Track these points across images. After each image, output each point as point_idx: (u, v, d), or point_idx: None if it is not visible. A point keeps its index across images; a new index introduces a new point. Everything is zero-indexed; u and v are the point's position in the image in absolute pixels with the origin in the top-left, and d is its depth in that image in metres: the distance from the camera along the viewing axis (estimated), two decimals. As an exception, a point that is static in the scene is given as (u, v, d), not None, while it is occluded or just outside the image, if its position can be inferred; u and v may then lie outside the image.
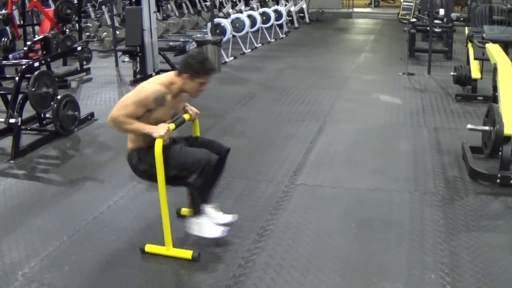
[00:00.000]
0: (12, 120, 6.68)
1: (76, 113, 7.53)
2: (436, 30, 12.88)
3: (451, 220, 4.78)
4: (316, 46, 15.58)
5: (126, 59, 11.92)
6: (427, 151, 6.56)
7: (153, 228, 4.65)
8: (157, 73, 11.40)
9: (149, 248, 4.32)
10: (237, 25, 14.16)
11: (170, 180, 4.22)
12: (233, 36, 13.75)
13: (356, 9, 25.56)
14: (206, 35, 12.70)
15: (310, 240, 4.50)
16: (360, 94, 9.66)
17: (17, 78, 6.92)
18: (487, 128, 5.81)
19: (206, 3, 19.23)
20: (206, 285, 3.91)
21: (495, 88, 6.44)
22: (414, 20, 12.33)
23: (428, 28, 12.04)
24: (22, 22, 13.18)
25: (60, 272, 4.10)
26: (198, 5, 19.38)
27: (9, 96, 6.99)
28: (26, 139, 7.09)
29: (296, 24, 19.95)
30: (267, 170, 5.99)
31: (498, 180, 5.43)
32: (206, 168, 4.15)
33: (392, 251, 4.30)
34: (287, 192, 5.44)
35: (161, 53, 11.70)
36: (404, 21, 12.22)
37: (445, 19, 13.37)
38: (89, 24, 16.49)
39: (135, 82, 10.73)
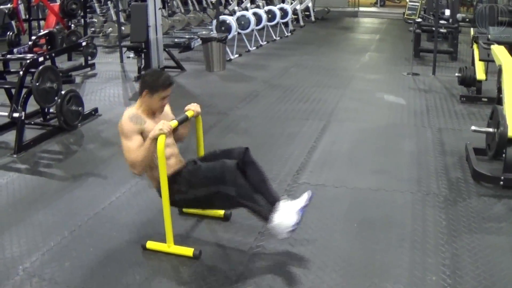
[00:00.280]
0: (15, 114, 6.69)
1: (80, 108, 7.54)
2: (442, 30, 12.85)
3: (454, 222, 4.77)
4: (321, 45, 15.56)
5: (131, 55, 11.91)
6: (430, 152, 6.54)
7: (155, 225, 4.65)
8: (162, 69, 11.41)
9: (150, 245, 4.32)
10: (243, 23, 14.15)
11: (203, 201, 4.27)
12: (238, 33, 13.75)
13: (362, 8, 25.51)
14: (212, 32, 12.70)
15: (311, 239, 4.49)
16: (364, 93, 9.64)
17: (21, 73, 6.93)
18: (491, 130, 5.79)
19: (212, 0, 19.21)
20: (207, 283, 3.91)
21: (499, 89, 6.42)
22: (419, 20, 12.30)
23: (433, 28, 12.01)
24: (27, 16, 13.18)
25: (61, 268, 4.11)
26: (204, 2, 19.36)
27: (13, 91, 6.99)
28: (30, 133, 7.10)
29: (301, 23, 19.91)
30: (270, 169, 5.97)
31: (502, 182, 5.41)
32: (227, 175, 4.07)
33: (393, 252, 4.29)
34: (289, 191, 5.43)
35: (166, 49, 11.70)
36: (409, 21, 12.20)
37: (450, 20, 13.32)
38: (94, 20, 16.49)
39: (140, 78, 10.71)
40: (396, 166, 6.14)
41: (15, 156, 6.49)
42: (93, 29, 15.81)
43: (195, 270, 4.07)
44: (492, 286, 3.83)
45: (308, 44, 15.71)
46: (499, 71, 6.58)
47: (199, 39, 12.42)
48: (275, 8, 16.54)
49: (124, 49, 12.46)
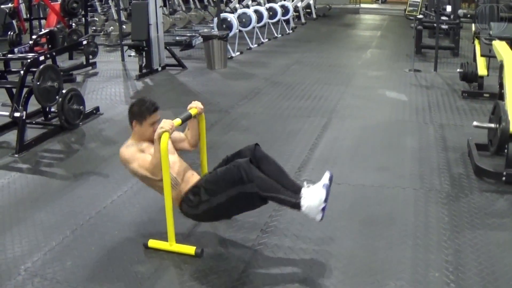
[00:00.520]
0: (17, 114, 6.68)
1: (81, 107, 7.53)
2: (443, 26, 12.81)
3: (456, 218, 4.75)
4: (322, 42, 15.54)
5: (132, 53, 11.92)
6: (432, 148, 6.53)
7: (156, 223, 4.65)
8: (163, 68, 11.41)
9: (152, 243, 4.31)
10: (244, 20, 14.14)
11: (228, 207, 4.22)
12: (240, 31, 13.73)
13: (363, 5, 25.49)
14: (213, 30, 12.68)
15: (313, 236, 4.48)
16: (366, 90, 9.63)
17: (22, 72, 6.92)
18: (493, 125, 5.78)
19: (213, -3, 19.22)
20: (209, 281, 3.90)
21: (501, 85, 6.40)
22: (421, 16, 12.26)
23: (435, 24, 12.00)
24: (28, 15, 13.18)
25: (62, 267, 4.10)
26: (205, 0, 19.35)
27: (14, 90, 6.98)
28: (31, 133, 7.09)
29: (303, 20, 19.91)
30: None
31: (504, 178, 5.39)
32: (243, 173, 4.01)
33: (396, 249, 4.28)
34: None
35: (167, 47, 11.70)
36: (411, 18, 12.17)
37: (452, 16, 13.30)
38: (95, 18, 16.50)
39: (141, 76, 10.74)
40: (398, 162, 6.12)
41: (16, 155, 6.48)
42: (94, 28, 15.82)
43: (197, 268, 4.06)
44: (494, 282, 3.82)
45: (310, 41, 15.70)
46: (501, 67, 6.56)
47: (200, 37, 12.41)
48: (276, 6, 16.51)
49: (125, 48, 12.45)
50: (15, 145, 6.59)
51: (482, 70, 8.79)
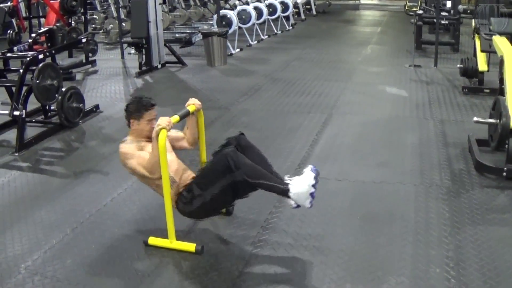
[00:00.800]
0: (16, 113, 6.67)
1: (81, 105, 7.53)
2: (443, 22, 12.80)
3: (457, 214, 4.75)
4: (322, 38, 15.52)
5: (132, 51, 11.92)
6: (433, 144, 6.52)
7: (157, 220, 4.65)
8: (163, 65, 11.40)
9: (153, 240, 4.31)
10: (243, 17, 14.12)
11: (222, 198, 4.24)
12: (239, 28, 13.72)
13: (363, 1, 25.41)
14: (212, 27, 12.67)
15: (314, 233, 4.48)
16: (366, 86, 9.62)
17: (21, 70, 6.91)
18: (493, 121, 5.77)
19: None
20: (209, 278, 3.90)
21: (501, 80, 6.39)
22: (421, 12, 12.25)
23: (435, 20, 11.98)
24: (27, 14, 13.15)
25: (63, 265, 4.10)
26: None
27: (13, 89, 6.97)
28: (31, 131, 7.10)
29: (302, 16, 19.87)
30: (272, 163, 5.87)
31: (504, 174, 5.39)
32: (230, 161, 4.02)
33: (396, 245, 4.28)
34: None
35: (167, 45, 11.68)
36: (411, 13, 12.15)
37: (452, 11, 13.28)
38: (95, 16, 16.47)
39: (141, 74, 10.73)
40: (398, 158, 6.11)
41: (16, 154, 6.48)
42: (93, 25, 15.80)
43: (198, 265, 4.06)
44: (495, 277, 3.81)
45: (310, 37, 15.67)
46: (501, 62, 6.55)
47: (200, 34, 12.39)
48: (276, 2, 16.47)
49: (125, 45, 12.44)
50: (15, 144, 6.59)
51: (482, 65, 8.78)
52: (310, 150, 6.40)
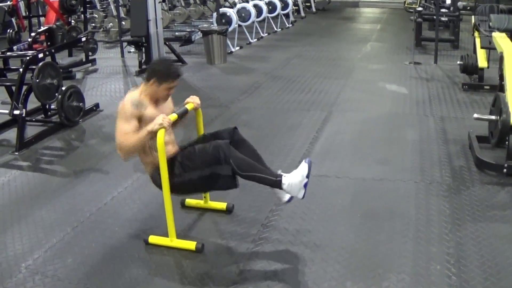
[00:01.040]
0: (16, 112, 6.67)
1: (81, 104, 7.52)
2: (443, 19, 12.79)
3: (457, 210, 4.75)
4: (322, 36, 15.51)
5: (132, 49, 11.90)
6: (433, 141, 6.52)
7: (157, 219, 4.65)
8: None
9: (153, 239, 4.31)
10: (243, 15, 14.11)
11: (198, 184, 4.22)
12: (239, 25, 13.71)
13: (362, -2, 25.43)
14: (212, 25, 12.66)
15: (314, 230, 4.48)
16: (366, 83, 9.61)
17: (21, 70, 6.91)
18: (493, 117, 5.76)
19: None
20: (209, 276, 3.89)
21: (501, 77, 6.38)
22: (420, 9, 12.26)
23: (434, 17, 11.97)
24: (27, 13, 13.14)
25: (63, 264, 4.10)
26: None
27: (13, 88, 6.97)
28: (31, 130, 7.10)
29: (302, 14, 19.87)
30: (272, 160, 5.95)
31: (505, 170, 5.39)
32: (221, 155, 4.03)
33: (397, 242, 4.28)
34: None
35: (167, 43, 11.67)
36: (410, 10, 12.19)
37: (451, 8, 13.28)
38: (94, 15, 16.46)
39: (141, 72, 10.72)
40: (399, 155, 6.11)
41: (16, 153, 6.48)
42: (93, 24, 15.78)
43: (198, 263, 4.06)
44: (497, 274, 3.81)
45: (310, 35, 15.67)
46: (501, 59, 6.54)
47: (199, 32, 12.39)
48: (276, 0, 16.46)
49: (124, 44, 12.44)
50: (15, 143, 6.59)
51: (482, 62, 8.77)
52: (310, 147, 6.40)
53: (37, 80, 6.73)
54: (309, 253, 4.15)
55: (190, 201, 4.89)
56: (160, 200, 4.34)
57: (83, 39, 10.37)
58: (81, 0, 11.68)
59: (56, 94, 7.09)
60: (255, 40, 14.55)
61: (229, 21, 13.21)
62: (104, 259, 4.17)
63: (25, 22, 13.30)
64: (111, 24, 14.98)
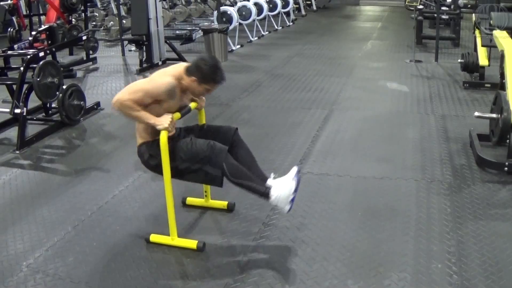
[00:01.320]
0: (17, 110, 6.67)
1: (81, 102, 7.52)
2: (444, 17, 12.79)
3: (458, 209, 4.75)
4: (323, 34, 15.50)
5: (133, 48, 11.89)
6: (434, 139, 6.51)
7: (158, 218, 4.65)
8: (164, 62, 11.39)
9: (154, 238, 4.31)
10: (244, 13, 14.10)
11: (183, 174, 4.21)
12: (240, 24, 13.70)
13: (363, -4, 25.40)
14: (213, 23, 12.65)
15: (316, 229, 4.48)
16: (367, 81, 9.61)
17: (22, 68, 6.91)
18: (494, 115, 5.76)
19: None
20: (211, 275, 3.90)
21: (502, 75, 6.39)
22: (421, 7, 12.23)
23: (435, 15, 11.96)
24: (28, 12, 13.15)
25: (64, 263, 4.10)
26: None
27: (14, 87, 6.97)
28: (32, 129, 7.10)
29: (303, 12, 19.86)
30: (273, 159, 5.96)
31: (506, 168, 5.39)
32: (216, 157, 4.04)
33: (398, 240, 4.28)
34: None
35: (168, 41, 11.66)
36: (411, 8, 12.13)
37: (452, 6, 13.27)
38: (95, 14, 16.45)
39: (141, 71, 10.72)
40: (400, 154, 6.11)
41: (17, 152, 6.48)
42: (94, 23, 15.77)
43: (199, 262, 4.06)
44: (497, 273, 3.81)
45: (310, 33, 15.66)
46: (502, 57, 6.55)
47: (200, 31, 12.39)
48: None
49: (125, 42, 12.43)
50: (16, 142, 6.58)
51: (483, 60, 8.77)
52: (311, 146, 6.39)
53: (38, 79, 6.73)
54: (310, 251, 4.15)
55: (192, 199, 4.89)
56: (161, 198, 4.34)
57: (84, 37, 10.37)
58: (82, -2, 11.70)
59: (57, 92, 7.09)
60: (256, 38, 14.54)
61: (229, 20, 13.20)
62: (105, 258, 4.17)
63: (26, 21, 13.33)
64: (111, 22, 14.97)
